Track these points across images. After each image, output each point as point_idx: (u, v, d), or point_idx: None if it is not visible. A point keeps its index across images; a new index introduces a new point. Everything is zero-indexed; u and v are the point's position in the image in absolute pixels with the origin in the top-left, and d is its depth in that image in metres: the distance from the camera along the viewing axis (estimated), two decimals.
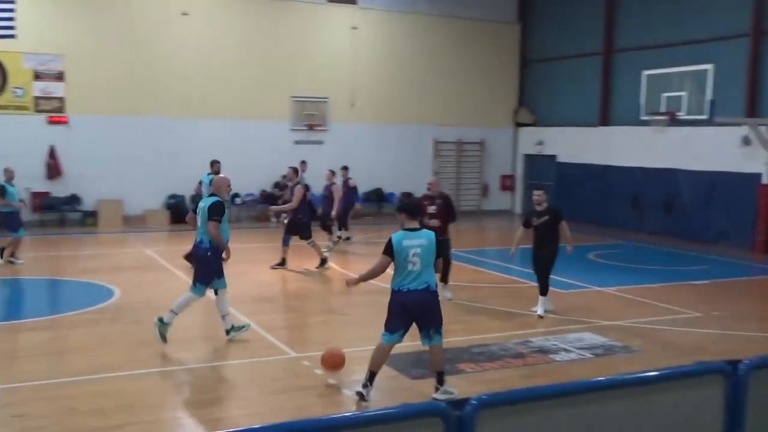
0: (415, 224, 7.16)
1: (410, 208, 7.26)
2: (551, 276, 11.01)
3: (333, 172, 17.17)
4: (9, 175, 14.41)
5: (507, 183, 26.49)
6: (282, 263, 14.36)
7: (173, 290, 12.21)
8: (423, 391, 7.46)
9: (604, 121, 23.07)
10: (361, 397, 7.08)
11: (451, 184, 25.57)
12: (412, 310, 7.08)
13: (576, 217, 22.97)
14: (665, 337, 9.93)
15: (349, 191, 18.15)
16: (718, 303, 12.05)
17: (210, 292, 9.33)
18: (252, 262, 14.88)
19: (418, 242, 6.97)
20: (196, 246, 9.19)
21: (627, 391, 4.02)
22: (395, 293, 7.07)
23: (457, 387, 7.49)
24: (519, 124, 26.38)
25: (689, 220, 19.83)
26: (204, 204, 9.16)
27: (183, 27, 21.30)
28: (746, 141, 18.29)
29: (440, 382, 7.28)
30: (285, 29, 22.72)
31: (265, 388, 7.57)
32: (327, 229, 16.95)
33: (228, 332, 9.21)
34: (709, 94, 16.98)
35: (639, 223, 20.96)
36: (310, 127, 23.09)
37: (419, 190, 24.60)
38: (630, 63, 21.86)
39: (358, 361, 8.61)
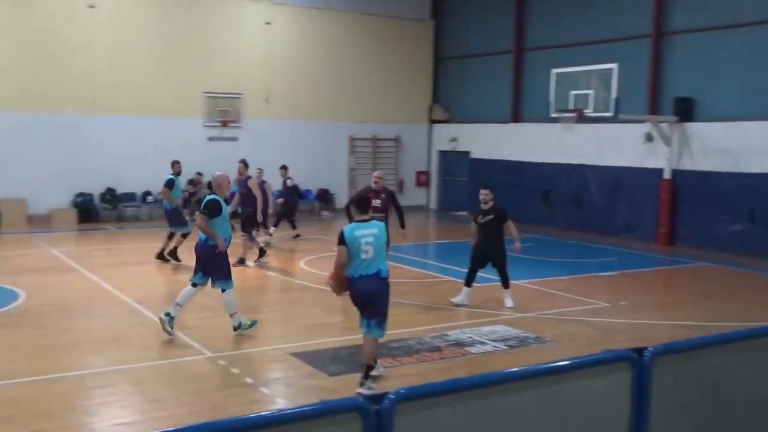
0: (365, 216, 7.47)
1: (360, 202, 7.64)
2: (479, 272, 11.31)
3: (261, 170, 16.98)
4: (177, 168, 14.57)
5: (422, 179, 26.78)
6: (262, 255, 14.46)
7: (83, 291, 11.85)
8: (341, 387, 7.47)
9: (516, 117, 23.60)
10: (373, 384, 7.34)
11: (367, 180, 25.67)
12: (364, 295, 7.36)
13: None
14: (576, 328, 10.24)
15: (288, 191, 18.10)
16: (625, 293, 12.51)
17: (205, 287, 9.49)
18: (164, 261, 14.56)
19: (369, 231, 7.30)
20: (202, 243, 9.26)
21: (540, 380, 4.14)
22: (350, 281, 7.33)
23: (375, 382, 7.53)
24: (433, 121, 26.71)
25: (597, 214, 20.51)
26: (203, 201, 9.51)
27: (89, 20, 20.60)
28: (649, 138, 19.07)
29: (366, 376, 7.38)
30: (197, 24, 22.28)
31: (180, 389, 7.42)
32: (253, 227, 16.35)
33: (236, 329, 9.34)
34: (614, 93, 17.59)
35: (550, 217, 21.54)
36: (224, 124, 22.74)
37: (335, 187, 24.69)
38: (540, 61, 22.43)
39: (275, 358, 8.56)
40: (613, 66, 17.65)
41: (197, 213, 9.27)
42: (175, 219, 14.39)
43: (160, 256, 14.35)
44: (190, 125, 22.21)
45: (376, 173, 12.08)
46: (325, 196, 24.43)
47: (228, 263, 9.38)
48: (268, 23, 23.30)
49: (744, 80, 17.53)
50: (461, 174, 25.58)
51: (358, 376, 7.59)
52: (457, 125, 25.82)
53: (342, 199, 25.16)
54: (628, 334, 9.92)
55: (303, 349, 8.81)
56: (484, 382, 3.96)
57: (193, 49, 22.16)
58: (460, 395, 3.82)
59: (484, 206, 11.07)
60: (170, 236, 14.41)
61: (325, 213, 24.15)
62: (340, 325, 10.14)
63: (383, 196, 11.47)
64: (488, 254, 11.12)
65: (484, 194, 11.10)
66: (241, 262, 13.99)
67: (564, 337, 9.71)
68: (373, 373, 7.52)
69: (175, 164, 14.83)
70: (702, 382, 4.90)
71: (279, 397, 7.37)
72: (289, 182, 18.28)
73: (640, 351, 4.51)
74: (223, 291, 9.33)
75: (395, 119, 25.92)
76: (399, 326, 9.96)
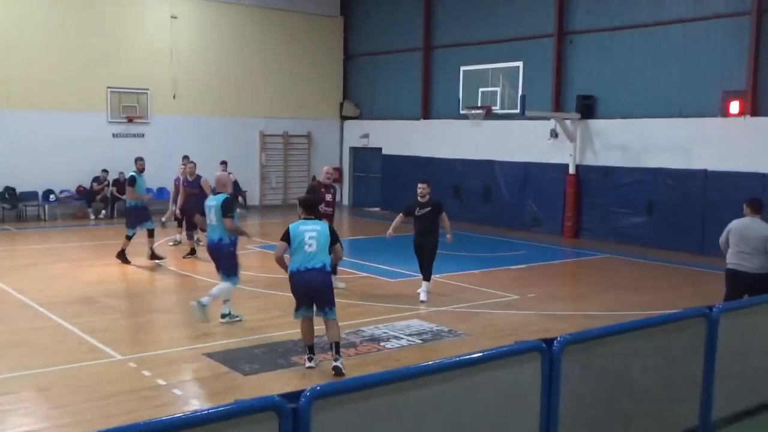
0: (311, 216, 8.09)
1: (308, 203, 8.31)
2: (433, 266, 11.59)
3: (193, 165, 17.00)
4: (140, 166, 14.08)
5: (334, 175, 26.71)
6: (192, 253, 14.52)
7: None
8: (256, 386, 7.41)
9: (426, 114, 23.88)
10: (311, 364, 7.98)
11: (279, 177, 25.49)
12: (309, 287, 7.84)
13: (401, 208, 23.64)
14: (488, 320, 10.46)
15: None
16: (534, 285, 12.87)
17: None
18: (70, 262, 14.09)
19: (313, 227, 7.92)
20: (216, 244, 9.82)
21: (454, 373, 4.22)
22: (294, 275, 7.83)
23: (291, 380, 7.52)
24: (344, 117, 26.72)
25: (506, 209, 20.99)
26: (215, 202, 9.88)
27: None
28: (554, 134, 19.66)
29: (338, 352, 7.90)
30: (100, 16, 21.57)
31: (89, 395, 7.19)
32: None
33: (223, 316, 9.86)
34: (520, 90, 18.03)
35: (460, 212, 21.88)
36: (130, 120, 22.11)
37: (247, 184, 24.37)
38: (449, 59, 22.75)
39: (186, 359, 8.40)
40: (519, 64, 18.09)
41: (225, 219, 9.72)
42: (135, 218, 13.96)
43: (153, 257, 14.12)
44: (94, 121, 21.50)
45: (326, 168, 12.54)
46: (236, 193, 24.04)
47: (236, 261, 10.04)
48: (173, 17, 22.76)
49: (642, 79, 18.26)
50: (373, 170, 25.70)
51: (276, 373, 7.54)
52: (369, 121, 25.92)
53: (254, 195, 24.91)
54: (538, 325, 10.21)
55: (216, 348, 8.68)
56: (399, 377, 4.01)
57: (96, 43, 21.43)
58: (376, 390, 3.86)
59: (421, 199, 11.35)
60: (151, 233, 14.23)
61: (237, 210, 23.76)
62: (253, 324, 10.03)
63: (333, 191, 12.22)
64: (421, 245, 11.42)
65: (422, 187, 11.40)
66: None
67: (476, 329, 9.91)
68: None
69: (138, 161, 14.35)
70: (609, 369, 5.11)
71: (192, 398, 7.24)
72: (232, 176, 18.02)
73: (549, 341, 4.66)
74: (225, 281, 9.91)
75: (306, 115, 25.80)
76: (314, 323, 9.93)
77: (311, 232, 7.85)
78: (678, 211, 17.21)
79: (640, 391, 5.29)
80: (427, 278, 11.47)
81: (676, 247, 16.93)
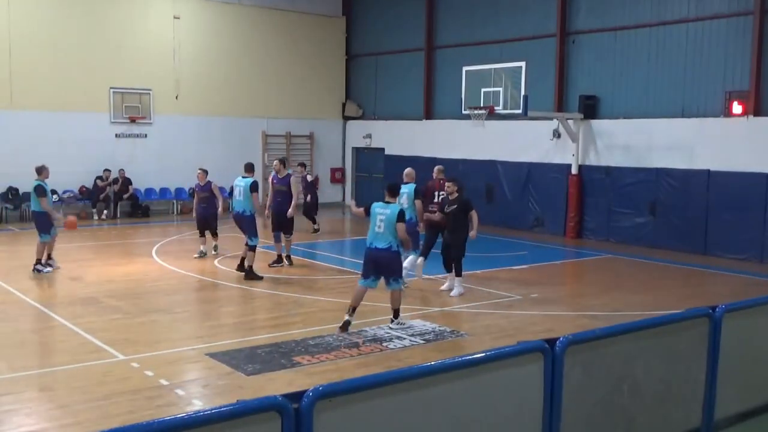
0: (391, 200, 9.46)
1: (390, 188, 9.72)
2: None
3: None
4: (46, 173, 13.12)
5: (337, 176, 26.77)
6: (279, 260, 14.08)
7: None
8: (258, 386, 7.41)
9: (429, 114, 23.87)
10: (346, 324, 9.34)
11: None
12: (376, 264, 9.32)
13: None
14: (490, 321, 10.46)
15: (308, 186, 18.67)
16: (536, 286, 12.86)
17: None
18: (73, 262, 14.10)
19: (384, 210, 9.25)
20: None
21: (457, 373, 4.22)
22: (366, 249, 9.37)
23: (294, 380, 7.52)
24: (347, 118, 26.72)
25: (508, 209, 20.97)
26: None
27: None
28: (556, 134, 19.65)
29: (396, 316, 9.53)
30: (103, 17, 21.59)
31: (92, 395, 7.19)
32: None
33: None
34: (523, 90, 18.01)
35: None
36: (133, 120, 22.13)
37: None
38: (451, 59, 22.74)
39: (191, 359, 8.41)
40: (522, 64, 18.06)
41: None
42: (46, 224, 13.13)
43: (42, 264, 13.15)
44: (97, 121, 21.52)
45: (445, 177, 12.83)
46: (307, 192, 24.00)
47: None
48: (176, 17, 22.78)
49: (645, 80, 18.24)
50: (376, 170, 25.70)
51: (279, 373, 7.55)
52: (371, 122, 25.91)
53: (258, 196, 24.88)
54: (540, 325, 10.20)
55: (219, 348, 8.69)
56: (402, 377, 4.01)
57: (98, 43, 21.46)
58: (379, 390, 3.86)
59: (450, 197, 11.71)
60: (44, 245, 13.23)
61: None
62: (255, 324, 10.04)
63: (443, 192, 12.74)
64: (449, 242, 11.75)
65: (448, 186, 11.79)
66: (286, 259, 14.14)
67: (479, 330, 9.90)
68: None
69: (44, 170, 13.30)
70: (611, 370, 5.10)
71: (195, 398, 7.24)
72: (309, 177, 18.88)
73: (552, 342, 4.66)
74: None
75: (309, 115, 25.81)
76: (317, 323, 9.96)
77: (382, 215, 9.20)
78: (681, 211, 17.19)
79: (642, 391, 5.28)
80: (458, 274, 11.80)
81: (679, 248, 16.91)
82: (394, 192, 9.71)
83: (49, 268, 13.15)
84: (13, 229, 19.28)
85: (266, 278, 12.95)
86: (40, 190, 12.87)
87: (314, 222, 18.93)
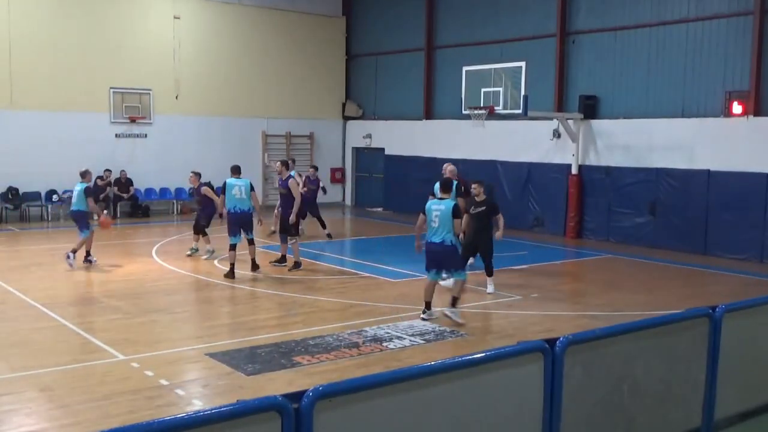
0: (445, 196, 9.87)
1: (443, 184, 10.18)
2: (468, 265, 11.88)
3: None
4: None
5: (337, 176, 26.76)
6: (282, 260, 14.05)
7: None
8: (258, 386, 7.41)
9: (429, 114, 23.87)
10: (427, 317, 9.97)
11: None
12: (434, 257, 9.78)
13: (404, 209, 23.64)
14: (490, 321, 10.46)
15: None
16: (536, 286, 12.85)
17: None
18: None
19: (438, 206, 9.71)
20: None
21: (457, 373, 4.22)
22: (426, 244, 9.88)
23: (294, 380, 7.52)
24: (347, 118, 26.73)
25: (508, 209, 20.90)
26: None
27: None
28: (556, 134, 19.65)
29: (454, 304, 9.87)
30: (103, 17, 21.59)
31: (92, 395, 7.19)
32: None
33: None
34: (523, 90, 18.01)
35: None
36: (133, 120, 22.13)
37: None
38: (451, 59, 22.74)
39: (191, 359, 8.41)
40: (522, 64, 18.05)
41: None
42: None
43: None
44: (97, 121, 21.53)
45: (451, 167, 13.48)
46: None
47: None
48: (176, 17, 22.78)
49: (645, 80, 18.24)
50: (376, 170, 25.71)
51: (279, 373, 7.55)
52: (371, 122, 25.92)
53: (257, 196, 24.87)
54: (540, 325, 10.20)
55: (219, 348, 8.69)
56: (402, 377, 4.01)
57: (98, 43, 21.47)
58: (379, 390, 3.86)
59: (477, 198, 11.93)
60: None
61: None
62: (255, 324, 10.04)
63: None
64: (476, 243, 11.92)
65: (474, 187, 12.07)
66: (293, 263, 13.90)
67: (479, 330, 9.91)
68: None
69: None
70: (611, 370, 5.10)
71: (195, 398, 7.24)
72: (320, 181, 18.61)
73: (552, 342, 4.66)
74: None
75: (309, 115, 25.81)
76: (317, 323, 9.96)
77: (437, 211, 9.65)
78: (681, 211, 17.19)
79: (642, 391, 5.28)
80: (489, 274, 12.10)
81: (679, 248, 16.91)
82: (448, 187, 10.05)
83: (75, 264, 13.69)
84: (13, 229, 19.28)
85: (266, 278, 12.95)
86: (89, 191, 13.97)
87: (323, 226, 18.08)
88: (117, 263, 14.17)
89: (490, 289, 12.11)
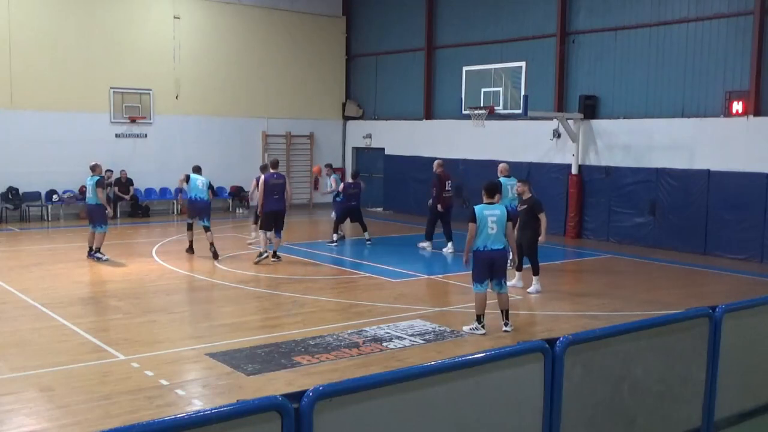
0: (492, 200, 9.51)
1: (489, 188, 9.69)
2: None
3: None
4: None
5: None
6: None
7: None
8: (259, 386, 7.41)
9: (429, 114, 23.86)
10: (481, 330, 9.52)
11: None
12: (491, 264, 9.36)
13: (404, 208, 23.67)
14: (490, 321, 10.44)
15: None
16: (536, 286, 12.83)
17: None
18: (73, 262, 14.11)
19: (493, 211, 9.36)
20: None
21: (456, 373, 4.21)
22: (479, 252, 9.33)
23: (294, 380, 7.52)
24: (347, 118, 26.73)
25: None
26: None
27: None
28: (556, 134, 19.65)
29: (506, 317, 9.68)
30: (103, 17, 21.59)
31: (92, 395, 7.19)
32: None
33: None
34: (523, 90, 18.00)
35: (462, 212, 21.83)
36: (133, 120, 22.13)
37: (250, 184, 24.31)
38: (451, 59, 22.74)
39: (191, 359, 8.41)
40: (522, 64, 18.04)
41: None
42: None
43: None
44: (97, 121, 21.52)
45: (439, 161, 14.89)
46: (239, 194, 24.12)
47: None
48: (176, 17, 22.78)
49: (645, 79, 18.23)
50: (376, 170, 25.70)
51: (279, 373, 7.56)
52: (371, 122, 25.92)
53: (256, 196, 24.88)
54: (540, 325, 10.19)
55: (219, 348, 8.69)
56: (402, 377, 4.00)
57: (98, 43, 21.47)
58: (379, 390, 3.85)
59: (523, 196, 12.20)
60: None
61: (240, 210, 23.85)
62: (255, 324, 10.04)
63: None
64: (520, 241, 11.93)
65: (519, 186, 12.41)
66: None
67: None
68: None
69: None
70: (611, 370, 5.10)
71: (195, 398, 7.24)
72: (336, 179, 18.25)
73: (552, 342, 4.66)
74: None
75: (309, 115, 25.81)
76: (317, 323, 9.96)
77: (492, 216, 9.30)
78: (681, 211, 17.18)
79: (642, 391, 5.28)
80: (535, 272, 12.15)
81: (679, 248, 16.91)
82: (493, 192, 9.69)
83: (105, 256, 14.28)
84: (13, 229, 19.29)
85: (267, 278, 12.96)
86: (101, 183, 14.43)
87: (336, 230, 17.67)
88: (117, 263, 14.16)
89: (531, 288, 12.16)
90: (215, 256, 14.54)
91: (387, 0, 25.24)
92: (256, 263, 14.08)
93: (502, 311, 9.66)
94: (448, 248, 16.10)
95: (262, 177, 14.61)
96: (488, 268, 9.38)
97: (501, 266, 9.47)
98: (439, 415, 4.12)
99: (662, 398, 5.47)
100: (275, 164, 14.82)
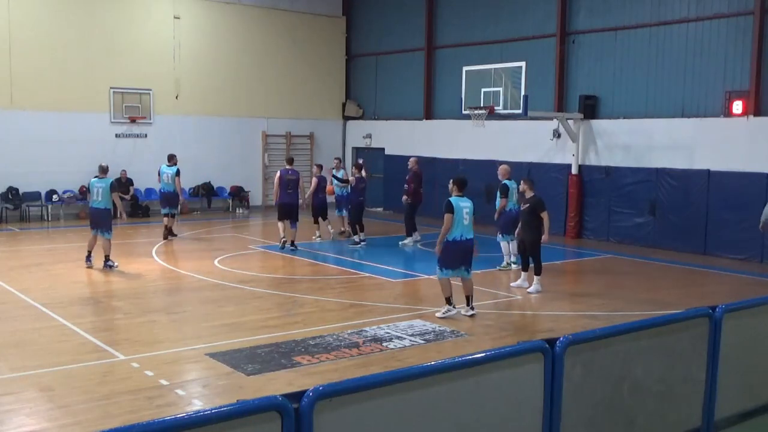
0: (461, 194, 10.07)
1: (460, 182, 10.25)
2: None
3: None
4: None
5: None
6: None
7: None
8: (258, 386, 7.41)
9: (429, 114, 23.86)
10: (454, 310, 10.24)
11: None
12: (465, 253, 10.02)
13: (404, 208, 23.62)
14: (490, 320, 10.45)
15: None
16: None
17: None
18: (73, 262, 14.10)
19: (466, 204, 9.99)
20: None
21: (456, 373, 4.21)
22: (456, 242, 9.90)
23: (294, 380, 7.52)
24: (347, 118, 26.73)
25: None
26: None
27: None
28: (556, 134, 19.65)
29: (468, 303, 10.30)
30: (103, 17, 21.59)
31: (92, 395, 7.19)
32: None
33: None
34: (523, 90, 18.00)
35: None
36: (133, 120, 22.13)
37: (249, 184, 24.42)
38: (451, 59, 22.73)
39: (191, 359, 8.41)
40: (522, 64, 18.03)
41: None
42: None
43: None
44: (97, 121, 21.52)
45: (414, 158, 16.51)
46: (239, 194, 24.12)
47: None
48: (176, 17, 22.78)
49: (645, 79, 18.23)
50: (376, 170, 25.67)
51: (279, 373, 7.56)
52: (371, 122, 25.92)
53: (256, 196, 24.94)
54: (540, 325, 10.20)
55: (219, 348, 8.69)
56: (402, 377, 4.01)
57: (98, 43, 21.46)
58: (379, 390, 3.85)
59: (525, 195, 12.28)
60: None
61: (240, 210, 23.84)
62: (255, 324, 10.04)
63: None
64: (522, 239, 12.26)
65: (523, 184, 12.45)
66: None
67: (479, 329, 9.90)
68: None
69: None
70: (611, 370, 5.10)
71: (195, 398, 7.24)
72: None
73: (552, 341, 4.66)
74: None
75: (309, 115, 25.81)
76: (317, 323, 9.96)
77: (466, 208, 9.92)
78: (681, 211, 17.18)
79: (642, 391, 5.28)
80: (536, 272, 12.17)
81: (679, 248, 16.91)
82: (463, 186, 10.26)
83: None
84: (13, 229, 19.29)
85: (266, 278, 12.96)
86: (115, 187, 13.96)
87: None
88: (117, 263, 14.14)
89: (531, 288, 12.15)
90: (164, 237, 16.83)
91: (387, 0, 25.24)
92: (281, 250, 15.77)
93: (467, 296, 10.28)
94: (408, 241, 17.15)
95: (278, 172, 16.40)
96: (461, 256, 10.03)
97: (471, 254, 10.15)
98: (439, 415, 4.12)
99: (662, 398, 5.47)
100: (290, 161, 16.82)
